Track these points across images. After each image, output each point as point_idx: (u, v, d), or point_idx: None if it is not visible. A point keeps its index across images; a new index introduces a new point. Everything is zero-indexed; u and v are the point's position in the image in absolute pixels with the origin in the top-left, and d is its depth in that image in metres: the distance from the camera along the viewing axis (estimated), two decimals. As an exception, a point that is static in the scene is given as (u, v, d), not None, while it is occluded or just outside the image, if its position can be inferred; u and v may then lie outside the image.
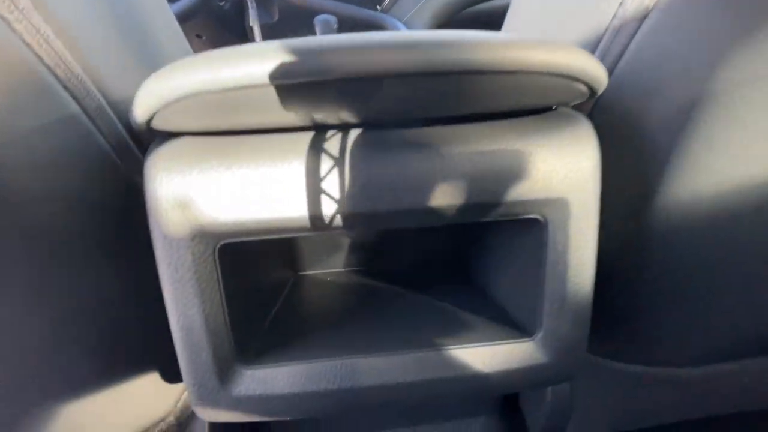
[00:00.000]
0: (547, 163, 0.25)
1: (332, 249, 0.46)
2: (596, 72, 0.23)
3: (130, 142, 0.29)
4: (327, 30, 0.77)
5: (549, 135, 0.25)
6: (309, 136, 0.25)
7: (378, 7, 0.85)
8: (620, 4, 0.26)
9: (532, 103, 0.26)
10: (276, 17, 0.88)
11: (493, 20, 0.81)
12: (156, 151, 0.25)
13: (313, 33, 0.83)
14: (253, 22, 0.81)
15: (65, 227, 0.25)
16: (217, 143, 0.25)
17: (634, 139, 0.27)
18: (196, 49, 0.69)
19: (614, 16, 0.27)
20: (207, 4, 0.79)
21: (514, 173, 0.25)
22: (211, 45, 0.88)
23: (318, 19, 0.78)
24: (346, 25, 0.84)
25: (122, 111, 0.28)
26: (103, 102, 0.26)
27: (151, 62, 0.33)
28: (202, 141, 0.25)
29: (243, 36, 0.89)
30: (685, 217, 0.27)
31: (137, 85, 0.22)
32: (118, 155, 0.28)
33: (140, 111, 0.23)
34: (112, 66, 0.28)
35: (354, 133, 0.25)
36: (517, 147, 0.25)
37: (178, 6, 0.77)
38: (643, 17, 0.25)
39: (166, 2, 0.41)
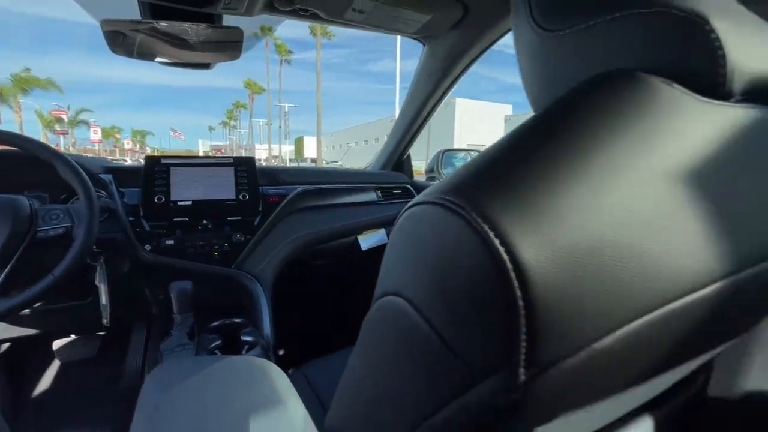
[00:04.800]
0: None
1: None
2: None
3: None
4: (183, 296, 0.82)
5: None
6: None
7: (232, 264, 0.98)
8: None
9: None
10: (127, 268, 0.92)
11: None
12: None
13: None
14: (100, 281, 0.82)
15: None
16: None
17: None
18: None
19: None
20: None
21: None
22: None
23: (174, 286, 0.82)
24: (203, 281, 0.92)
25: None
26: None
27: None
28: None
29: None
30: None
31: None
32: None
33: None
34: None
35: None
36: None
37: None
38: None
39: None
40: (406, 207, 0.27)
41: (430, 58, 1.03)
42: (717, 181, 0.24)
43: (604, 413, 0.38)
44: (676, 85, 0.24)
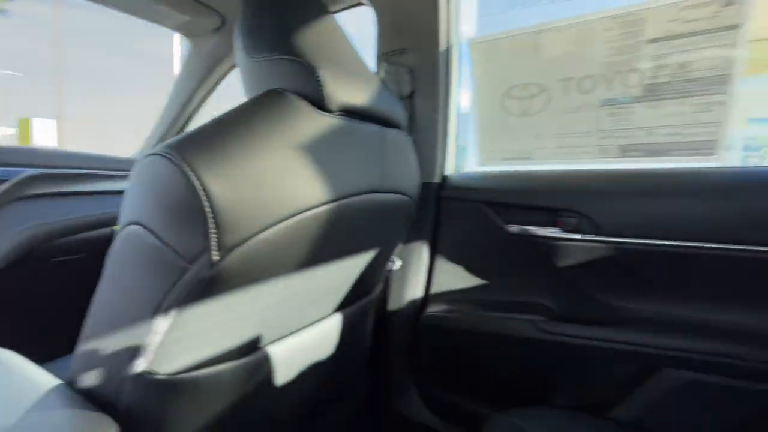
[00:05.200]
0: None
1: None
2: None
3: None
4: None
5: None
6: None
7: None
8: None
9: None
10: None
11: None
12: None
13: None
14: None
15: None
16: None
17: None
18: None
19: None
20: None
21: None
22: None
23: None
24: None
25: None
26: None
27: None
28: None
29: None
30: None
31: None
32: None
33: None
34: None
35: None
36: None
37: None
38: None
39: None
40: (140, 159, 0.39)
41: (194, 55, 1.10)
42: (322, 154, 0.46)
43: (307, 309, 0.59)
44: (304, 101, 0.46)
